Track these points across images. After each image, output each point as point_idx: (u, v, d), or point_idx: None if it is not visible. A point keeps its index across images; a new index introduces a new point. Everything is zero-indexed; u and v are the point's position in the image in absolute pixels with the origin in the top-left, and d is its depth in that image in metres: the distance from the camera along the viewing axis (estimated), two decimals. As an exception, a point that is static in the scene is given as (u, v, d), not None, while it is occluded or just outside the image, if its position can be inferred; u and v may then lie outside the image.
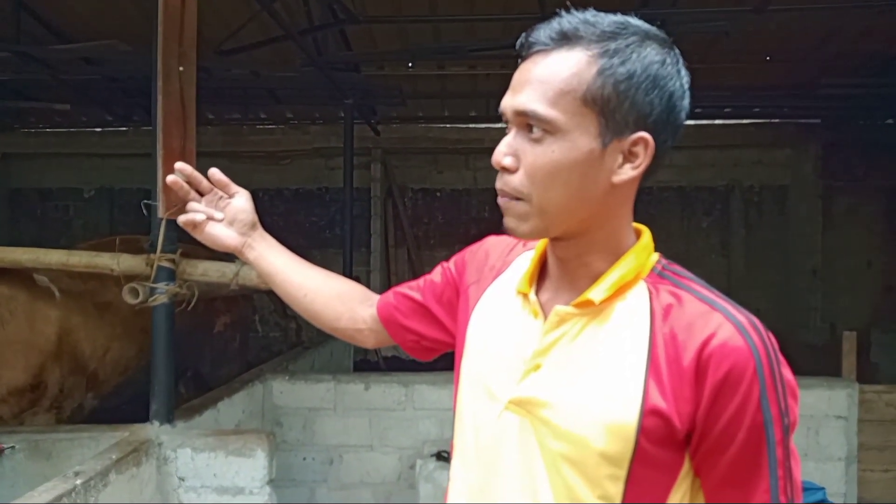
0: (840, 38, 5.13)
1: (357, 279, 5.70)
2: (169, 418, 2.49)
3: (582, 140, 0.78)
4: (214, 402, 2.98)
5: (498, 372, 0.88)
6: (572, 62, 0.78)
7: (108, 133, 7.51)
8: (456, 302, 1.05)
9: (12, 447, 2.40)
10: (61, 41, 4.97)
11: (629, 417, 0.76)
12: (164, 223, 2.42)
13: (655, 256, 0.87)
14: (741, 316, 0.79)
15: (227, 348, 4.46)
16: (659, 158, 0.82)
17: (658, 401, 0.76)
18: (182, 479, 2.43)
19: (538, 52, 0.80)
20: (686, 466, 0.79)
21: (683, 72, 0.82)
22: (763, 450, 0.76)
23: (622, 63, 0.77)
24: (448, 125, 7.43)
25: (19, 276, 2.88)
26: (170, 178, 1.13)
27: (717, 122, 7.27)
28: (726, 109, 7.05)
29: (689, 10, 4.31)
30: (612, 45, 0.78)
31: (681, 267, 0.87)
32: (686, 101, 0.83)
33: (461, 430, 0.92)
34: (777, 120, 7.26)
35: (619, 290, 0.82)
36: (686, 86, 0.82)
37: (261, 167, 7.70)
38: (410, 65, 5.78)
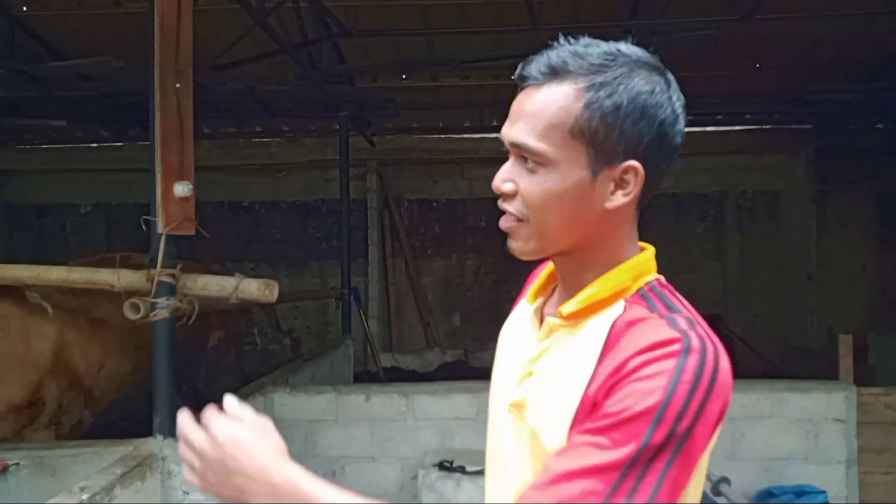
0: (828, 45, 5.20)
1: (355, 289, 5.66)
2: (172, 432, 2.49)
3: (572, 171, 0.82)
4: (216, 415, 2.98)
5: (506, 378, 0.94)
6: (560, 96, 0.81)
7: (103, 148, 7.53)
8: None
9: (16, 463, 2.40)
10: (56, 58, 5.00)
11: (565, 426, 0.79)
12: (163, 238, 2.44)
13: (650, 277, 0.87)
14: (693, 334, 0.76)
15: (222, 363, 4.46)
16: (655, 181, 0.85)
17: (588, 412, 0.77)
18: (186, 493, 2.43)
19: (531, 85, 0.84)
20: None
21: (676, 96, 0.84)
22: (630, 437, 0.70)
23: (609, 96, 0.80)
24: (442, 136, 7.47)
25: (10, 294, 2.88)
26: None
27: (710, 129, 7.33)
28: (718, 116, 7.12)
29: (678, 19, 4.37)
30: (599, 79, 0.81)
31: (671, 291, 0.86)
32: (680, 126, 0.84)
33: (488, 432, 0.99)
34: (769, 126, 7.34)
35: (595, 307, 0.85)
36: (679, 110, 0.84)
37: (257, 180, 7.73)
38: (404, 77, 5.83)
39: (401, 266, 7.78)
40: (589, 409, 0.76)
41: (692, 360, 0.73)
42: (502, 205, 0.87)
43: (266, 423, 0.82)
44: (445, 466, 3.41)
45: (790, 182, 7.48)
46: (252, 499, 0.75)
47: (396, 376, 6.52)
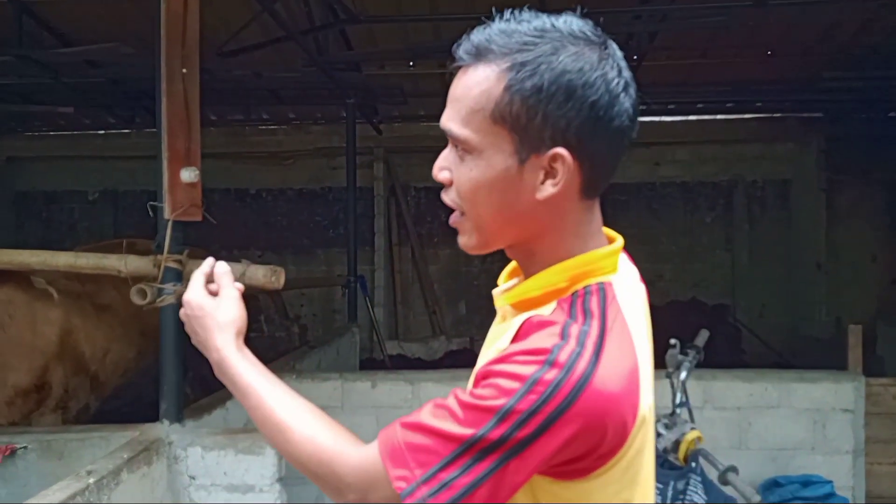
0: (842, 32, 5.12)
1: (361, 277, 5.65)
2: (179, 417, 2.51)
3: (496, 158, 0.77)
4: (223, 401, 2.99)
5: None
6: (482, 78, 0.76)
7: (111, 135, 7.54)
8: None
9: (24, 447, 2.43)
10: (64, 44, 4.99)
11: None
12: (170, 224, 2.44)
13: (594, 280, 0.80)
14: (573, 343, 0.72)
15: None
16: (600, 169, 0.79)
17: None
18: (192, 478, 2.45)
19: (460, 67, 0.79)
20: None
21: (614, 74, 0.76)
22: (430, 427, 0.72)
23: (530, 76, 0.74)
24: (450, 123, 7.42)
25: (16, 279, 2.90)
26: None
27: (720, 116, 7.26)
28: (728, 104, 7.05)
29: (689, 5, 4.31)
30: (521, 58, 0.75)
31: (600, 300, 0.78)
32: (620, 106, 0.76)
33: None
34: (779, 114, 7.25)
35: (529, 303, 0.81)
36: (618, 89, 0.76)
37: (264, 167, 7.72)
38: (411, 64, 5.79)
39: (407, 254, 7.78)
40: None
41: (550, 374, 0.69)
42: (443, 196, 0.84)
43: (231, 296, 0.97)
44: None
45: (800, 171, 7.41)
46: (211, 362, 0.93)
47: (402, 364, 6.53)
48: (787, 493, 3.22)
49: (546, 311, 0.80)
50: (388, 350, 6.80)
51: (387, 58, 5.66)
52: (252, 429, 3.06)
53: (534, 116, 0.75)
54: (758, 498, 1.89)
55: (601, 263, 0.82)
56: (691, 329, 2.52)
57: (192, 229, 2.56)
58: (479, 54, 0.78)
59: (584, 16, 0.81)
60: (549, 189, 0.78)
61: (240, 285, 1.00)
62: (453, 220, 0.84)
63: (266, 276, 2.56)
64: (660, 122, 7.15)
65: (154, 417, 2.52)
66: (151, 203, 2.51)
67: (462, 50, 0.79)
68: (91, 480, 1.92)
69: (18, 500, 1.84)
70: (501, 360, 0.73)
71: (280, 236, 7.81)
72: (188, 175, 2.46)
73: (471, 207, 0.81)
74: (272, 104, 6.82)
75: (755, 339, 6.89)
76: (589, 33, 0.78)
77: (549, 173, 0.77)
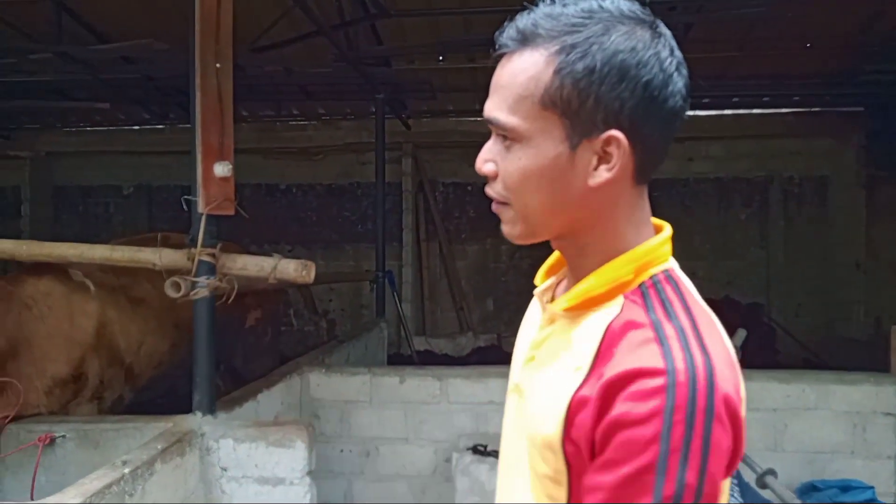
0: (884, 23, 4.95)
1: (389, 272, 5.70)
2: (211, 409, 2.54)
3: (547, 145, 0.74)
4: (254, 394, 3.02)
5: (516, 363, 0.91)
6: (529, 64, 0.74)
7: (145, 131, 7.67)
8: None
9: (63, 436, 2.48)
10: (100, 41, 5.08)
11: (558, 426, 0.74)
12: (204, 218, 2.46)
13: (656, 269, 0.78)
14: (681, 353, 0.68)
15: (259, 342, 4.52)
16: (653, 152, 0.76)
17: (578, 412, 0.72)
18: (224, 469, 2.47)
19: (503, 54, 0.76)
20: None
21: (666, 53, 0.74)
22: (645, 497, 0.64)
23: (581, 58, 0.71)
24: (479, 118, 7.38)
25: (53, 273, 2.96)
26: None
27: (755, 111, 7.10)
28: (765, 98, 6.88)
29: (727, -4, 4.22)
30: (571, 40, 0.72)
31: (674, 288, 0.77)
32: (674, 86, 0.74)
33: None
34: (818, 109, 7.06)
35: (592, 302, 0.78)
36: (671, 68, 0.74)
37: (294, 163, 7.79)
38: (441, 58, 5.76)
39: (435, 250, 7.77)
40: (581, 425, 0.70)
41: (680, 395, 0.65)
42: (487, 189, 0.80)
43: None
44: (479, 450, 3.40)
45: (839, 167, 7.20)
46: None
47: (430, 360, 6.54)
48: (826, 497, 3.14)
49: (613, 308, 0.76)
50: (416, 346, 6.81)
51: (416, 52, 5.65)
52: (283, 421, 3.09)
53: (586, 99, 0.72)
54: (797, 502, 1.84)
55: (658, 252, 0.79)
56: (725, 328, 2.47)
57: (224, 223, 2.59)
58: (525, 39, 0.75)
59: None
60: (603, 174, 0.75)
61: None
62: (496, 207, 0.81)
63: (297, 270, 2.57)
64: (693, 116, 7.02)
65: (187, 409, 2.55)
66: (185, 197, 2.54)
67: (506, 36, 0.76)
68: (126, 470, 1.95)
69: (58, 488, 1.88)
70: (607, 405, 0.68)
71: (309, 231, 7.88)
72: (221, 169, 2.48)
73: (518, 198, 0.78)
74: (302, 100, 6.86)
75: (790, 339, 6.73)
76: (639, 13, 0.75)
77: (603, 158, 0.74)
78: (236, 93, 2.68)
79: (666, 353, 0.68)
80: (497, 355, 6.57)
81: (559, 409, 0.74)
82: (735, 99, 6.88)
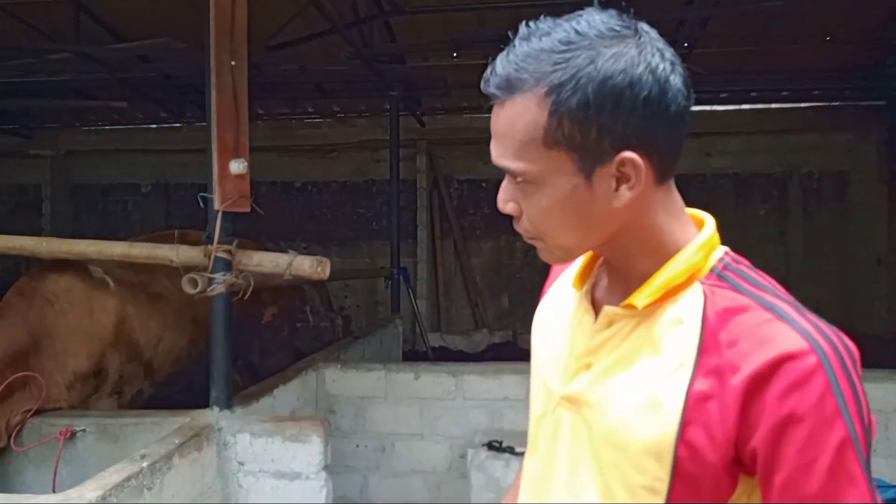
0: (908, 14, 4.87)
1: (404, 269, 5.71)
2: (228, 404, 2.56)
3: (561, 181, 0.75)
4: (270, 389, 3.05)
5: (554, 367, 0.87)
6: (523, 110, 0.73)
7: (163, 129, 7.75)
8: None
9: (83, 430, 2.52)
10: (118, 41, 5.14)
11: (669, 423, 0.72)
12: (220, 215, 2.48)
13: (719, 254, 0.80)
14: (807, 324, 0.70)
15: (276, 338, 4.55)
16: (668, 154, 0.76)
17: (700, 409, 0.71)
18: (241, 464, 2.50)
19: (496, 102, 0.76)
20: (740, 490, 0.73)
21: (656, 60, 0.72)
22: (856, 469, 0.68)
23: (573, 94, 0.71)
24: (493, 115, 7.38)
25: (74, 269, 3.00)
26: None
27: (774, 106, 7.01)
28: (783, 93, 6.79)
29: (745, -11, 4.17)
30: (557, 78, 0.71)
31: (748, 265, 0.80)
32: (673, 90, 0.73)
33: (530, 424, 0.93)
34: (838, 103, 6.95)
35: (669, 294, 0.78)
36: (666, 73, 0.73)
37: (309, 160, 7.82)
38: (455, 55, 5.76)
39: (450, 247, 7.77)
40: (707, 423, 0.71)
41: (836, 365, 0.68)
42: (516, 226, 0.82)
43: None
44: (495, 446, 3.40)
45: (859, 162, 7.09)
46: None
47: (445, 356, 6.54)
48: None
49: (694, 297, 0.77)
50: (431, 342, 6.82)
51: (431, 49, 5.64)
52: (299, 416, 3.11)
53: (588, 131, 0.72)
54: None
55: (717, 237, 0.82)
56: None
57: (240, 220, 2.61)
58: (512, 87, 0.74)
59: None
60: (625, 194, 0.75)
61: None
62: (531, 241, 0.82)
63: (312, 266, 2.59)
64: (711, 111, 6.94)
65: (204, 404, 2.57)
66: (202, 194, 2.56)
67: (493, 86, 0.76)
68: (145, 464, 1.98)
69: (78, 481, 1.91)
70: (762, 405, 0.69)
71: (325, 228, 7.91)
72: (237, 167, 2.50)
73: (548, 234, 0.79)
74: (317, 98, 6.89)
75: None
76: (617, 27, 0.73)
77: (621, 178, 0.75)
78: (252, 91, 2.69)
79: (799, 329, 0.70)
80: (512, 352, 6.56)
81: (670, 411, 0.72)
82: (753, 93, 6.80)
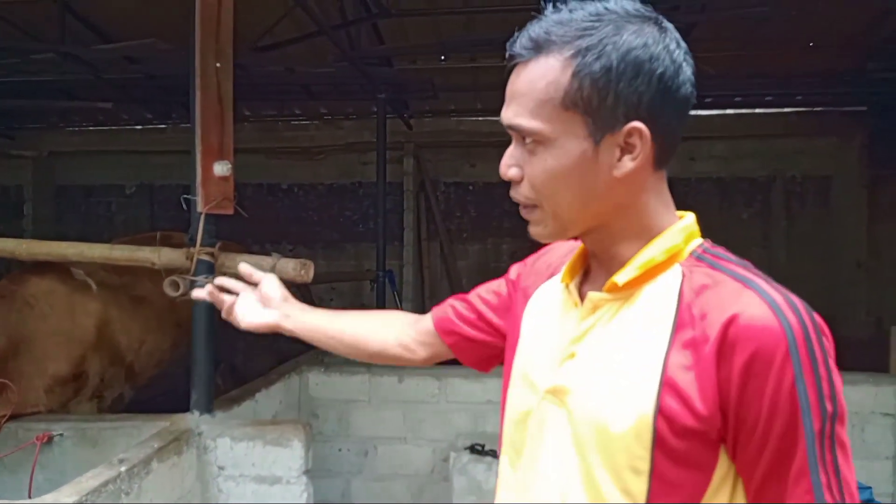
0: (891, 21, 4.94)
1: (390, 272, 5.70)
2: (209, 408, 2.55)
3: (572, 144, 0.78)
4: (252, 393, 3.03)
5: (540, 362, 0.88)
6: (547, 70, 0.77)
7: (147, 130, 7.69)
8: (508, 306, 1.06)
9: (61, 434, 2.49)
10: (103, 41, 5.10)
11: (646, 398, 0.74)
12: (203, 217, 2.47)
13: (698, 241, 0.85)
14: (776, 294, 0.74)
15: (259, 341, 4.51)
16: (670, 139, 0.80)
17: (677, 381, 0.73)
18: (221, 468, 2.48)
19: (518, 63, 0.80)
20: (724, 466, 0.74)
21: (674, 45, 0.79)
22: (800, 442, 0.69)
23: (597, 59, 0.75)
24: (481, 118, 7.39)
25: (56, 271, 2.97)
26: (205, 291, 1.25)
27: (758, 110, 7.08)
28: (767, 98, 6.86)
29: (729, -5, 4.21)
30: (585, 43, 0.76)
31: (726, 250, 0.84)
32: (684, 76, 0.79)
33: (505, 423, 0.93)
34: (821, 108, 7.03)
35: (649, 273, 0.80)
36: (680, 58, 0.79)
37: (295, 162, 7.79)
38: (443, 58, 5.76)
39: (436, 249, 7.77)
40: (685, 395, 0.72)
41: (806, 319, 0.73)
42: (512, 193, 0.83)
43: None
44: (477, 450, 3.40)
45: (842, 167, 7.18)
46: None
47: (431, 359, 6.53)
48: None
49: (674, 276, 0.80)
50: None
51: (418, 52, 5.65)
52: (280, 420, 3.10)
53: (605, 97, 0.76)
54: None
55: (697, 228, 0.86)
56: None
57: (224, 223, 2.59)
58: (539, 47, 0.78)
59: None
60: (627, 164, 0.79)
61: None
62: (523, 212, 0.84)
63: (296, 269, 2.58)
64: (696, 115, 6.97)
65: (186, 408, 2.55)
66: (185, 196, 2.55)
67: (519, 45, 0.80)
68: (123, 469, 1.96)
69: (55, 486, 1.89)
70: (731, 363, 0.71)
71: (311, 230, 7.89)
72: (221, 169, 2.48)
73: (547, 198, 0.81)
74: (304, 100, 6.87)
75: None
76: (643, 11, 0.80)
77: (625, 149, 0.78)
78: (239, 92, 2.68)
79: (766, 298, 0.73)
80: (498, 355, 6.57)
81: (648, 387, 0.74)
82: (738, 98, 6.86)
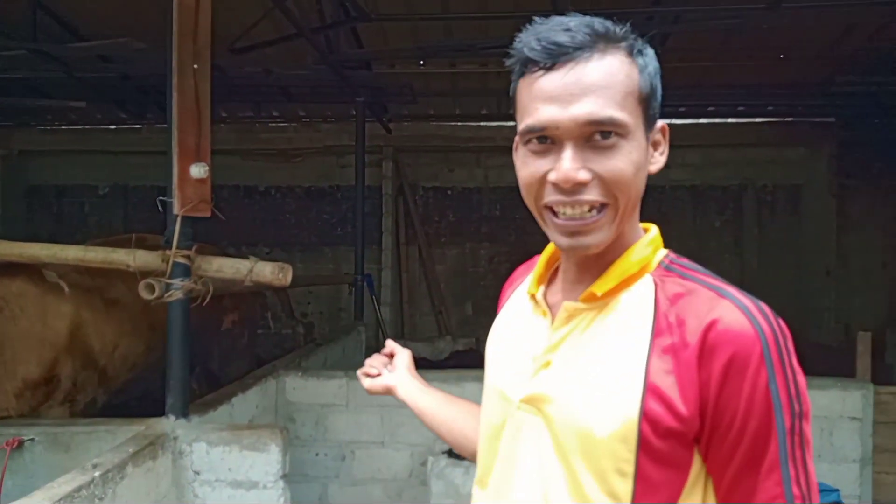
0: (856, 36, 5.08)
1: (368, 276, 5.66)
2: (184, 412, 2.52)
3: (642, 137, 0.81)
4: (228, 397, 3.00)
5: (510, 374, 0.89)
6: (619, 63, 0.79)
7: (122, 130, 7.58)
8: None
9: (31, 439, 2.44)
10: (77, 39, 5.02)
11: (630, 403, 0.76)
12: (179, 219, 2.45)
13: (663, 252, 0.88)
14: (748, 301, 0.78)
15: (236, 345, 4.49)
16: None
17: (660, 386, 0.75)
18: (197, 473, 2.45)
19: (573, 59, 0.77)
20: (697, 465, 0.77)
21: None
22: (773, 438, 0.73)
23: (651, 59, 0.83)
24: (459, 123, 7.43)
25: (27, 273, 2.91)
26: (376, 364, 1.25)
27: (730, 120, 7.23)
28: (739, 108, 7.01)
29: (702, 7, 4.29)
30: (636, 45, 0.82)
31: (689, 261, 0.87)
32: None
33: (481, 432, 0.94)
34: (791, 118, 7.21)
35: (624, 283, 0.83)
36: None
37: (273, 165, 7.74)
38: (422, 62, 5.78)
39: (414, 254, 7.78)
40: (667, 399, 0.75)
41: (774, 326, 0.76)
42: (579, 197, 0.78)
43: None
44: (455, 454, 3.41)
45: (811, 176, 7.36)
46: None
47: (408, 363, 6.52)
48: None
49: (646, 286, 0.82)
50: (394, 349, 6.79)
51: (397, 56, 5.66)
52: (257, 425, 3.07)
53: (654, 95, 0.83)
54: None
55: (660, 240, 0.89)
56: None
57: (200, 225, 2.57)
58: (601, 38, 0.79)
59: (597, 16, 0.83)
60: (659, 160, 0.85)
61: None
62: (593, 218, 0.79)
63: (273, 272, 2.56)
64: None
65: (161, 412, 2.52)
66: (161, 198, 2.52)
67: (573, 43, 0.77)
68: (96, 474, 1.93)
69: (26, 492, 1.85)
70: (709, 368, 0.75)
71: (288, 233, 7.84)
72: (198, 171, 2.46)
73: (627, 191, 0.80)
74: (282, 102, 6.84)
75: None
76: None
77: (656, 145, 0.85)
78: (215, 93, 2.66)
79: (740, 305, 0.76)
80: (475, 359, 6.57)
81: (631, 392, 0.76)
82: (711, 108, 7.00)
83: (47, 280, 2.98)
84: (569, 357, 0.83)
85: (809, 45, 5.26)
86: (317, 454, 3.76)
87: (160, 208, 2.52)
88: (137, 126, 7.42)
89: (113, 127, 7.57)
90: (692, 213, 7.54)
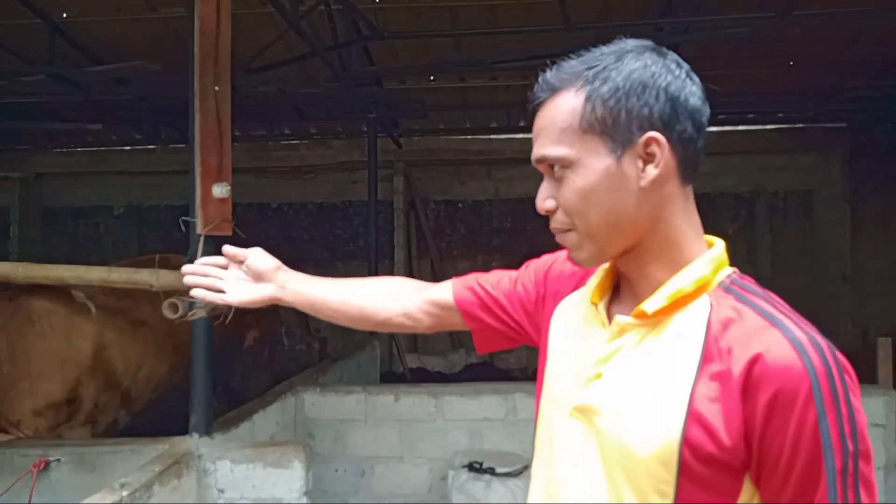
0: (865, 41, 5.09)
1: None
2: (208, 431, 2.53)
3: (595, 162, 0.82)
4: (250, 414, 3.02)
5: (566, 379, 0.91)
6: (563, 102, 0.84)
7: (136, 151, 7.67)
8: (533, 306, 1.07)
9: (58, 460, 2.46)
10: (94, 63, 5.10)
11: (673, 427, 0.76)
12: (202, 239, 2.48)
13: (728, 271, 0.86)
14: (801, 333, 0.76)
15: (257, 362, 4.51)
16: (690, 150, 0.84)
17: (703, 413, 0.75)
18: (221, 491, 2.47)
19: (537, 106, 0.87)
20: (748, 493, 0.77)
21: (674, 65, 0.84)
22: (822, 478, 0.72)
23: (604, 82, 0.82)
24: (469, 136, 7.47)
25: (56, 292, 2.95)
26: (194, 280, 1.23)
27: (742, 128, 7.22)
28: (750, 115, 7.01)
29: (712, 17, 4.31)
30: (592, 73, 0.84)
31: (751, 281, 0.86)
32: (691, 87, 0.84)
33: (538, 433, 0.96)
34: (802, 125, 7.20)
35: (679, 303, 0.83)
36: (683, 74, 0.84)
37: (285, 182, 7.81)
38: (432, 78, 5.83)
39: (427, 267, 7.79)
40: (710, 426, 0.75)
41: (830, 361, 0.74)
42: (551, 225, 0.88)
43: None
44: (475, 468, 3.40)
45: (824, 182, 7.33)
46: None
47: (422, 377, 6.53)
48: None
49: (701, 307, 0.82)
50: (408, 363, 6.80)
51: (408, 73, 5.71)
52: (280, 442, 3.09)
53: (618, 115, 0.82)
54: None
55: (726, 256, 0.88)
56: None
57: (221, 244, 2.59)
58: (554, 87, 0.86)
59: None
60: (651, 172, 0.82)
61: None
62: (560, 239, 0.88)
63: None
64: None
65: (182, 431, 2.54)
66: (183, 218, 2.55)
67: (537, 90, 0.87)
68: (124, 493, 1.95)
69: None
70: (755, 405, 0.74)
71: (301, 249, 7.88)
72: (220, 190, 2.50)
73: (581, 217, 0.84)
74: (295, 119, 6.90)
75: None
76: (641, 43, 0.87)
77: (647, 159, 0.83)
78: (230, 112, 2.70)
79: (791, 337, 0.75)
80: (490, 372, 6.57)
81: (674, 416, 0.76)
82: (721, 116, 7.00)
83: (76, 300, 3.02)
84: (619, 371, 0.84)
85: (819, 52, 5.26)
86: (336, 470, 3.76)
87: (183, 228, 2.55)
88: (151, 147, 7.50)
89: (128, 148, 7.66)
90: (704, 220, 7.21)
